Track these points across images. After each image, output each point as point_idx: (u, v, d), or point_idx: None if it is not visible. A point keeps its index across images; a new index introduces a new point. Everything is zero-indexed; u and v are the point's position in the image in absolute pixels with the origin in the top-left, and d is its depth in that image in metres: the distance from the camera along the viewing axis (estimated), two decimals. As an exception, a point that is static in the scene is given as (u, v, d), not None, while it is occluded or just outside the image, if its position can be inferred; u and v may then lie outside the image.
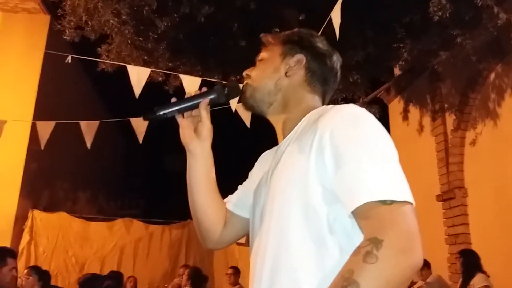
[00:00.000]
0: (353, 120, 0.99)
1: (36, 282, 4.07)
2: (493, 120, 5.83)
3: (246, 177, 1.36)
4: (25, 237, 7.51)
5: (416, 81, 7.25)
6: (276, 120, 1.25)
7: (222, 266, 7.70)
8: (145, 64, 5.50)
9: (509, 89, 5.67)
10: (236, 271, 6.46)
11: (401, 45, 5.40)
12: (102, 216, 9.15)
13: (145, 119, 1.27)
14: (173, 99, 1.25)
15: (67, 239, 7.80)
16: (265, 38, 1.32)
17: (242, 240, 6.58)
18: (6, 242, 6.61)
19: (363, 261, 0.81)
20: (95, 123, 5.58)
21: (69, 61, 4.82)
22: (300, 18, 5.44)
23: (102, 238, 8.00)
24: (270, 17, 5.34)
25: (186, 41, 5.65)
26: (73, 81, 9.19)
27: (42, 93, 7.93)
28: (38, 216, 7.72)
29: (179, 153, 1.31)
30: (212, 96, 1.25)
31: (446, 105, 6.67)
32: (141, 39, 5.49)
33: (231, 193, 1.36)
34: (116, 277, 5.79)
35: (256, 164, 1.36)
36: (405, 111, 7.58)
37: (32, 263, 6.79)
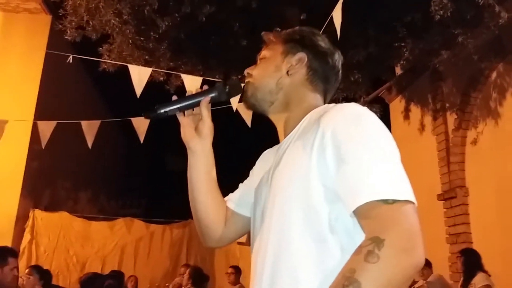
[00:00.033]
0: (355, 119, 0.99)
1: (37, 282, 4.07)
2: (494, 120, 5.82)
3: (247, 175, 1.36)
4: (26, 236, 7.52)
5: (417, 80, 7.25)
6: (278, 119, 1.25)
7: (223, 265, 7.69)
8: (146, 63, 5.51)
9: (510, 88, 5.67)
10: (236, 271, 6.46)
11: (402, 44, 5.40)
12: (103, 216, 9.16)
13: (145, 117, 1.26)
14: (174, 97, 1.25)
15: (68, 238, 7.80)
16: (266, 36, 1.32)
17: (243, 240, 6.59)
18: (7, 242, 6.62)
19: (365, 261, 0.81)
20: (96, 123, 5.59)
21: (71, 61, 4.83)
22: (301, 17, 5.44)
23: (103, 237, 8.00)
24: (271, 17, 5.34)
25: (187, 41, 5.66)
26: (75, 81, 9.20)
27: (43, 93, 7.94)
28: (39, 215, 7.73)
29: (180, 153, 1.31)
30: (213, 94, 1.24)
31: (447, 104, 6.67)
32: (142, 38, 5.49)
33: (232, 192, 1.36)
34: (117, 276, 5.80)
35: (257, 162, 1.35)
36: (406, 110, 7.58)
37: (33, 263, 6.80)
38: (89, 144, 5.51)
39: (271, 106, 1.23)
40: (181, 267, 7.02)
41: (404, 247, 0.82)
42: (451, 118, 6.51)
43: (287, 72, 1.22)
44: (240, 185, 1.36)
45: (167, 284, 6.92)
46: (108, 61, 5.59)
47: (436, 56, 5.37)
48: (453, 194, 6.24)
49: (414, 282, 5.69)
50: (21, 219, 7.54)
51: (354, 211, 0.89)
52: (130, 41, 5.48)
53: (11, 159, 7.41)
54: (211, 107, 1.26)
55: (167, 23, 5.21)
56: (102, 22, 5.37)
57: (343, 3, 3.71)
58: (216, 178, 1.30)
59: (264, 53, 1.28)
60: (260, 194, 1.16)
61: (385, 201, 0.86)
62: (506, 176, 5.45)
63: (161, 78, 5.76)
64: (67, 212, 8.14)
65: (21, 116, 6.73)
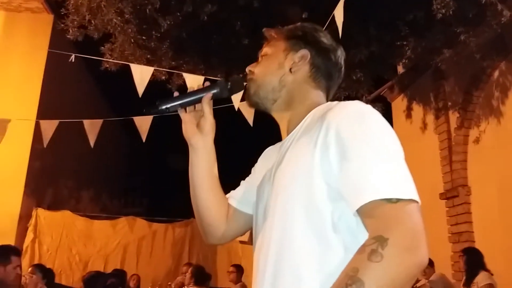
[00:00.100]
0: (358, 117, 0.98)
1: (40, 280, 4.09)
2: (496, 118, 5.81)
3: (249, 173, 1.35)
4: (29, 235, 7.54)
5: (419, 79, 7.24)
6: (280, 117, 1.24)
7: (225, 264, 7.71)
8: (148, 62, 5.51)
9: (513, 86, 5.66)
10: (238, 269, 6.47)
11: (405, 43, 5.39)
12: (105, 215, 9.18)
13: (147, 113, 1.26)
14: (176, 93, 1.24)
15: (71, 237, 7.83)
16: (268, 33, 1.30)
17: (245, 238, 6.59)
18: (10, 241, 6.63)
19: (368, 260, 0.81)
20: (99, 122, 5.60)
21: (73, 60, 4.83)
22: (303, 16, 5.43)
23: (105, 236, 8.02)
24: (273, 16, 5.33)
25: (189, 40, 5.66)
26: (77, 80, 9.21)
27: (45, 92, 7.95)
28: (42, 214, 7.75)
29: (183, 152, 1.30)
30: (215, 91, 1.23)
31: (449, 103, 6.66)
32: (144, 38, 5.49)
33: (234, 189, 1.35)
34: (119, 275, 5.81)
35: (260, 159, 1.34)
36: (409, 109, 7.57)
37: (36, 261, 6.82)
38: (91, 143, 5.52)
39: (274, 104, 1.22)
40: (183, 266, 7.03)
41: (407, 246, 0.82)
42: (453, 117, 6.50)
43: (290, 69, 1.20)
44: (242, 182, 1.35)
45: (169, 283, 6.93)
46: (110, 60, 5.60)
47: (438, 55, 5.36)
48: (455, 193, 6.23)
49: (417, 281, 5.68)
50: (24, 218, 7.56)
51: (357, 210, 0.89)
52: (132, 40, 5.49)
53: (14, 158, 7.43)
54: (213, 105, 1.25)
55: (169, 22, 5.21)
56: (104, 21, 5.38)
57: (344, 2, 3.71)
58: (217, 175, 1.29)
59: (266, 50, 1.27)
60: (262, 192, 1.15)
61: (389, 200, 0.86)
62: (508, 174, 5.44)
63: (163, 77, 5.77)
64: (70, 211, 8.16)
65: (24, 116, 6.74)
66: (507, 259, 5.14)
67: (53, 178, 8.72)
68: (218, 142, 1.28)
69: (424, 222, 0.87)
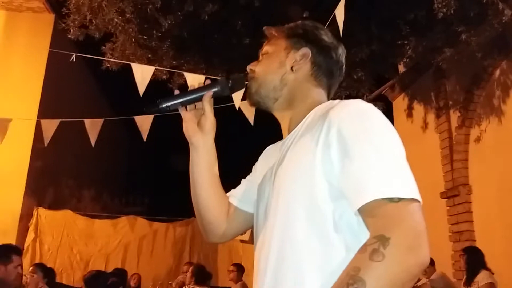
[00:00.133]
0: (360, 116, 0.98)
1: (41, 280, 4.09)
2: (497, 117, 5.81)
3: (250, 171, 1.35)
4: (30, 234, 7.56)
5: (420, 78, 7.23)
6: (282, 115, 1.23)
7: (226, 263, 7.71)
8: (149, 62, 5.52)
9: (514, 86, 5.65)
10: (238, 268, 6.47)
11: (406, 42, 5.39)
12: (106, 214, 9.19)
13: (147, 111, 1.24)
14: (176, 91, 1.23)
15: (71, 236, 7.84)
16: (268, 31, 1.29)
17: (246, 238, 6.59)
18: (11, 240, 6.65)
19: (370, 259, 0.80)
20: (100, 121, 5.60)
21: (74, 60, 4.83)
22: (304, 15, 5.43)
23: (106, 235, 8.03)
24: (274, 15, 5.33)
25: (190, 39, 5.66)
26: (78, 79, 9.22)
27: (46, 91, 7.96)
28: (43, 213, 7.76)
29: (183, 151, 1.30)
30: (215, 89, 1.22)
31: (450, 102, 6.65)
32: (145, 37, 5.49)
33: (235, 188, 1.35)
34: (120, 274, 5.81)
35: (260, 158, 1.34)
36: (410, 108, 7.56)
37: (37, 261, 6.83)
38: (92, 142, 5.52)
39: (276, 103, 1.21)
40: (184, 265, 7.04)
41: (409, 245, 0.81)
42: (454, 116, 6.49)
43: (291, 68, 1.20)
44: (243, 180, 1.35)
45: (170, 282, 6.94)
46: (111, 59, 5.60)
47: (439, 54, 5.35)
48: (456, 192, 6.23)
49: (418, 280, 5.68)
50: (25, 217, 7.57)
51: (359, 209, 0.89)
52: (133, 39, 5.49)
53: (15, 157, 7.44)
54: (214, 104, 1.24)
55: (170, 22, 5.21)
56: (105, 21, 5.38)
57: (345, 1, 3.71)
58: (218, 173, 1.28)
59: (267, 48, 1.26)
60: (263, 191, 1.15)
61: (391, 199, 0.85)
62: (509, 174, 5.44)
63: (164, 77, 5.77)
64: (71, 210, 8.17)
65: (25, 115, 6.75)
66: (507, 258, 5.14)
67: (54, 177, 8.73)
68: (219, 140, 1.28)
69: (425, 221, 0.87)
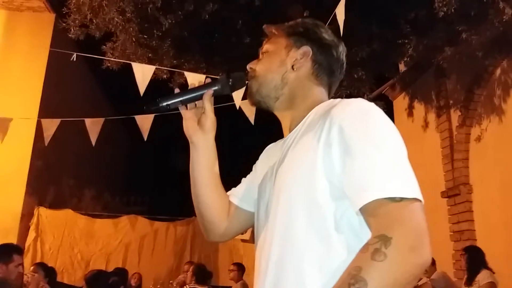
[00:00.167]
0: (362, 115, 0.98)
1: (42, 279, 4.09)
2: (498, 116, 5.80)
3: (250, 171, 1.34)
4: (31, 234, 7.56)
5: (421, 77, 7.23)
6: (283, 114, 1.23)
7: (227, 262, 7.71)
8: (149, 61, 5.52)
9: (515, 85, 5.65)
10: (239, 268, 6.48)
11: (406, 41, 5.39)
12: (107, 213, 9.20)
13: (147, 110, 1.23)
14: (176, 90, 1.23)
15: (72, 236, 7.85)
16: (268, 30, 1.28)
17: (247, 237, 6.58)
18: (12, 239, 6.66)
19: (371, 259, 0.80)
20: (100, 121, 5.60)
21: (74, 59, 4.83)
22: (305, 14, 5.42)
23: (107, 235, 8.04)
24: (274, 14, 5.33)
25: (190, 39, 5.66)
26: (78, 79, 9.23)
27: (47, 91, 7.97)
28: (44, 213, 7.77)
29: (184, 150, 1.30)
30: (216, 87, 1.22)
31: (451, 101, 6.65)
32: (145, 36, 5.50)
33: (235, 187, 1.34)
34: (121, 273, 5.82)
35: (261, 156, 1.33)
36: (410, 108, 7.56)
37: (38, 260, 6.84)
38: (93, 141, 5.52)
39: (277, 102, 1.20)
40: (185, 265, 7.05)
41: (411, 245, 0.81)
42: (455, 115, 6.49)
43: (292, 66, 1.19)
44: (243, 179, 1.34)
45: (171, 281, 6.94)
46: (112, 59, 5.60)
47: (440, 53, 5.35)
48: (457, 191, 6.22)
49: (418, 280, 5.69)
50: (26, 216, 7.58)
51: (360, 209, 0.88)
52: (134, 39, 5.49)
53: (16, 157, 7.44)
54: (214, 103, 1.24)
55: (170, 21, 5.21)
56: (105, 20, 5.38)
57: (346, 0, 3.70)
58: (218, 172, 1.27)
59: (267, 47, 1.25)
60: (264, 190, 1.15)
61: (393, 199, 0.85)
62: (510, 173, 5.43)
63: (165, 76, 5.77)
64: (72, 209, 8.18)
65: (26, 114, 6.75)
66: (508, 257, 5.14)
67: (55, 176, 8.73)
68: (219, 140, 1.27)
69: (426, 221, 0.86)
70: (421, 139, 7.06)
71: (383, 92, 8.07)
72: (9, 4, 8.05)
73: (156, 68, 5.02)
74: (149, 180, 15.99)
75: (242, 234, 6.95)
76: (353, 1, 3.82)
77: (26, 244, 7.39)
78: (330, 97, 1.23)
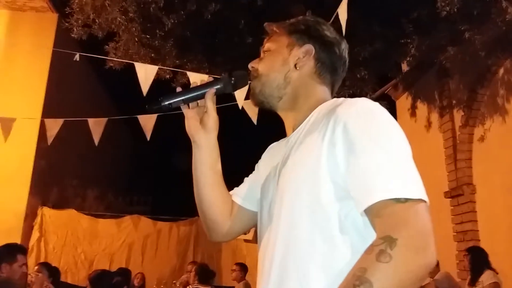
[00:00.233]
0: (366, 114, 0.97)
1: (46, 279, 4.11)
2: (501, 116, 5.78)
3: (253, 170, 1.33)
4: (35, 234, 7.59)
5: (424, 77, 7.21)
6: (286, 114, 1.21)
7: (230, 262, 7.72)
8: (152, 61, 5.52)
9: (518, 84, 5.63)
10: (241, 268, 6.49)
11: (409, 40, 5.37)
12: (110, 213, 9.22)
13: (149, 109, 1.22)
14: (178, 89, 1.21)
15: (76, 236, 7.87)
16: (269, 28, 1.26)
17: (250, 237, 6.57)
18: (16, 239, 6.67)
19: (377, 260, 0.79)
20: (103, 120, 5.61)
21: (77, 59, 4.84)
22: (307, 14, 5.42)
23: (110, 235, 8.06)
24: (277, 13, 5.33)
25: (193, 38, 5.66)
26: (81, 79, 9.25)
27: (50, 91, 7.99)
28: (47, 213, 7.80)
29: (187, 150, 1.29)
30: (218, 86, 1.21)
31: (454, 101, 6.63)
32: (148, 36, 5.51)
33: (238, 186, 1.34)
34: (124, 273, 5.84)
35: (263, 156, 1.32)
36: (413, 108, 7.54)
37: (42, 260, 6.86)
38: (96, 141, 5.54)
39: (280, 101, 1.19)
40: (188, 265, 7.05)
41: (416, 247, 0.81)
42: (458, 115, 6.47)
43: (295, 65, 1.17)
44: (246, 179, 1.33)
45: (174, 281, 6.95)
46: (115, 59, 5.61)
47: (442, 53, 5.34)
48: (460, 192, 6.21)
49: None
50: (30, 216, 7.60)
51: (365, 210, 0.88)
52: (136, 39, 5.50)
53: (19, 157, 7.47)
54: (217, 103, 1.23)
55: (172, 21, 5.22)
56: (108, 20, 5.39)
57: (349, 0, 3.70)
58: (221, 172, 1.26)
59: (269, 45, 1.23)
60: (267, 190, 1.14)
61: (398, 200, 0.84)
62: (513, 173, 5.42)
63: (167, 76, 5.77)
64: (75, 209, 8.21)
65: (29, 114, 6.77)
66: (512, 257, 5.12)
67: (58, 177, 8.76)
68: (222, 139, 1.26)
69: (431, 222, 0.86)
70: (424, 139, 7.04)
71: (385, 92, 8.06)
72: (12, 4, 8.07)
73: (159, 68, 5.03)
74: (152, 180, 16.01)
75: (245, 234, 6.96)
76: (355, 0, 3.82)
77: (30, 244, 7.42)
78: (333, 96, 1.22)
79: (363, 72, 5.59)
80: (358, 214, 0.92)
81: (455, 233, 6.28)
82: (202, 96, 1.20)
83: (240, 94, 4.41)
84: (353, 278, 0.80)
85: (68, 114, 6.03)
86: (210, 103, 1.20)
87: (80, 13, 5.48)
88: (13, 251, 2.97)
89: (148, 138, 5.29)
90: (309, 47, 1.18)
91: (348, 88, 5.67)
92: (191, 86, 1.23)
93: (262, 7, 5.32)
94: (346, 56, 1.24)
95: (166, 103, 1.19)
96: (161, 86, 5.40)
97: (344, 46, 1.23)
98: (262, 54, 1.25)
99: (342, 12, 3.73)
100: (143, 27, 5.45)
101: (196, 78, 4.76)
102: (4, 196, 7.23)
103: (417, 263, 0.80)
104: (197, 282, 5.21)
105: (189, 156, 1.26)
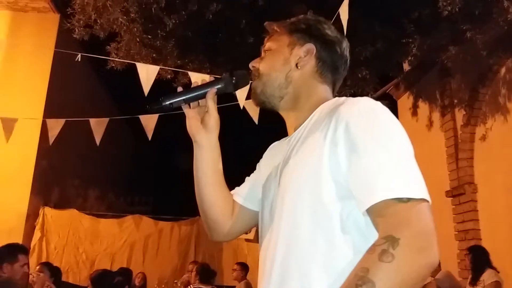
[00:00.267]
0: (368, 114, 0.97)
1: (47, 278, 4.11)
2: (503, 115, 5.78)
3: (254, 169, 1.33)
4: (37, 234, 7.60)
5: (425, 76, 7.21)
6: (287, 113, 1.21)
7: (231, 262, 7.72)
8: (153, 61, 5.53)
9: (519, 84, 5.62)
10: (242, 267, 6.49)
11: (410, 40, 5.37)
12: (111, 213, 9.22)
13: (150, 109, 1.22)
14: (179, 89, 1.21)
15: (77, 235, 7.88)
16: (270, 27, 1.26)
17: (251, 237, 6.58)
18: (18, 239, 6.69)
19: (379, 260, 0.79)
20: (105, 121, 5.62)
21: (79, 60, 4.85)
22: (308, 14, 5.42)
23: (112, 234, 8.07)
24: (278, 13, 5.33)
25: (194, 39, 5.67)
26: (83, 79, 9.26)
27: (52, 91, 8.00)
28: (49, 213, 7.81)
29: (188, 150, 1.29)
30: (219, 86, 1.20)
31: (455, 101, 6.63)
32: (149, 36, 5.51)
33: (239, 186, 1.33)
34: (125, 273, 5.84)
35: (265, 155, 1.32)
36: (414, 107, 7.54)
37: (43, 260, 6.88)
38: (97, 141, 5.54)
39: (281, 101, 1.18)
40: (189, 264, 7.05)
41: (419, 246, 0.80)
42: (460, 114, 6.47)
43: (296, 65, 1.17)
44: (247, 178, 1.33)
45: (175, 281, 6.96)
46: (116, 59, 5.62)
47: (444, 52, 5.33)
48: (461, 191, 6.20)
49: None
50: (32, 216, 7.62)
51: (367, 209, 0.88)
52: (138, 39, 5.50)
53: (21, 157, 7.48)
54: (218, 103, 1.23)
55: (174, 21, 5.22)
56: (109, 21, 5.39)
57: (350, -1, 3.71)
58: (222, 171, 1.26)
59: (269, 44, 1.23)
60: (269, 189, 1.14)
61: (400, 200, 0.84)
62: (515, 172, 5.41)
63: (169, 76, 5.77)
64: (77, 209, 8.21)
65: (31, 115, 6.78)
66: (514, 257, 5.12)
67: (60, 177, 8.77)
68: (223, 139, 1.26)
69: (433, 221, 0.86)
70: (426, 138, 7.04)
71: (387, 91, 8.06)
72: (13, 5, 8.08)
73: (160, 68, 5.03)
74: (154, 180, 16.01)
75: (246, 233, 6.96)
76: (356, 0, 3.81)
77: (32, 244, 7.43)
78: (334, 95, 1.22)
79: (364, 72, 5.59)
80: (359, 213, 0.91)
81: (456, 232, 6.28)
82: (203, 96, 1.20)
83: (241, 94, 4.41)
84: (355, 278, 0.80)
85: (69, 114, 6.04)
86: (211, 102, 1.20)
87: (81, 13, 5.48)
88: (15, 251, 2.98)
89: (150, 138, 5.30)
90: (310, 46, 1.18)
91: (349, 87, 5.67)
92: (192, 86, 1.23)
93: (264, 7, 5.32)
94: (347, 54, 1.23)
95: (167, 102, 1.18)
96: (162, 86, 5.40)
97: (345, 44, 1.23)
98: (263, 54, 1.24)
99: (344, 12, 3.73)
100: (145, 28, 5.46)
101: (197, 78, 4.76)
102: (6, 196, 7.24)
103: (420, 263, 0.80)
104: (198, 281, 5.21)
105: (191, 156, 1.25)
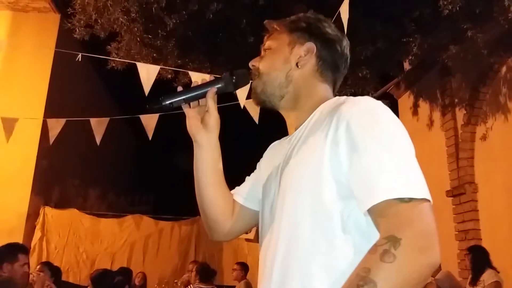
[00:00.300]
0: (369, 113, 0.96)
1: (48, 278, 4.11)
2: (504, 115, 5.77)
3: (254, 168, 1.33)
4: (37, 233, 7.60)
5: (426, 75, 7.20)
6: (288, 113, 1.21)
7: (231, 261, 7.72)
8: (154, 61, 5.53)
9: (520, 83, 5.62)
10: (242, 267, 6.49)
11: (411, 39, 5.37)
12: (112, 213, 9.22)
13: (150, 109, 1.22)
14: (179, 88, 1.21)
15: (78, 235, 7.88)
16: (269, 25, 1.25)
17: (251, 236, 6.58)
18: (18, 239, 6.69)
19: (381, 260, 0.79)
20: (105, 120, 5.62)
21: (79, 59, 4.84)
22: (309, 13, 5.42)
23: (112, 234, 8.07)
24: (279, 13, 5.33)
25: (194, 38, 5.67)
26: (83, 79, 9.25)
27: (52, 91, 8.00)
28: (49, 212, 7.81)
29: (189, 150, 1.29)
30: (219, 85, 1.20)
31: (456, 100, 6.62)
32: (150, 36, 5.51)
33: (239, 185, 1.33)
34: (125, 273, 5.84)
35: (265, 155, 1.31)
36: (415, 106, 7.53)
37: (44, 259, 6.87)
38: (98, 141, 5.55)
39: (282, 100, 1.18)
40: (189, 264, 7.06)
41: (420, 246, 0.80)
42: (460, 114, 6.46)
43: (297, 64, 1.16)
44: (247, 178, 1.33)
45: (175, 281, 6.96)
46: (117, 59, 5.62)
47: (445, 51, 5.33)
48: (462, 191, 6.20)
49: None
50: (32, 216, 7.62)
51: (368, 209, 0.87)
52: (138, 39, 5.51)
53: (22, 156, 7.48)
54: (218, 103, 1.22)
55: (174, 21, 5.22)
56: (110, 20, 5.40)
57: (350, -1, 3.70)
58: (222, 171, 1.26)
59: (269, 43, 1.22)
60: (269, 189, 1.14)
61: (401, 200, 0.84)
62: (516, 172, 5.41)
63: (169, 76, 5.78)
64: (77, 209, 8.21)
65: (31, 114, 6.78)
66: (514, 256, 5.11)
67: (60, 176, 8.77)
68: (223, 138, 1.25)
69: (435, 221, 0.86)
70: (426, 137, 7.03)
71: (387, 90, 8.06)
72: (14, 5, 8.08)
73: (160, 68, 5.03)
74: (154, 180, 15.99)
75: (247, 233, 6.95)
76: (357, -1, 3.82)
77: (32, 244, 7.43)
78: (334, 94, 1.21)
79: (365, 71, 5.59)
80: (360, 213, 0.91)
81: (456, 232, 6.27)
82: (203, 95, 1.20)
83: (241, 93, 4.41)
84: (357, 278, 0.80)
85: (70, 114, 6.04)
86: (211, 102, 1.19)
87: (82, 13, 5.48)
88: (15, 251, 2.97)
89: (150, 138, 5.30)
90: (310, 45, 1.17)
91: (350, 87, 5.67)
92: (192, 85, 1.22)
93: (264, 6, 5.32)
94: (348, 53, 1.23)
95: (167, 102, 1.18)
96: (163, 86, 5.40)
97: (346, 43, 1.22)
98: (262, 52, 1.24)
99: (344, 11, 3.73)
100: (145, 27, 5.46)
101: (198, 77, 4.75)
102: (6, 195, 7.24)
103: (422, 263, 0.80)
104: (198, 281, 5.22)
105: (191, 156, 1.25)
